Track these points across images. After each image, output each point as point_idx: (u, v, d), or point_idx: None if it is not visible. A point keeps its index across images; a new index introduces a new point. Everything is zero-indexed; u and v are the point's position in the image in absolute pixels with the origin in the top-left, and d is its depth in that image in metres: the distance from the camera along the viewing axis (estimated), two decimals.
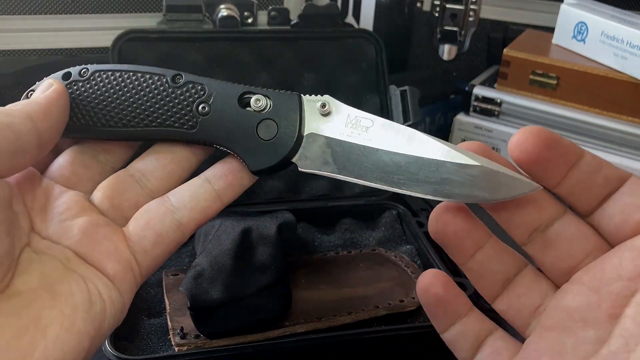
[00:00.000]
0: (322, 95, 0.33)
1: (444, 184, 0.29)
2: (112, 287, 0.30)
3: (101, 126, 0.33)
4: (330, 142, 0.31)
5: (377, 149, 0.31)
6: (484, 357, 0.31)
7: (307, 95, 0.33)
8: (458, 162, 0.29)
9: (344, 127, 0.31)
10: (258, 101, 0.32)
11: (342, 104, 0.32)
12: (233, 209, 0.60)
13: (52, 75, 0.34)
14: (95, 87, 0.33)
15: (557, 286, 0.30)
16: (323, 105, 0.32)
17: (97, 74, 0.33)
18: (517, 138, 0.28)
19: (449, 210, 0.30)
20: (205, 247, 0.51)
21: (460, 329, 0.31)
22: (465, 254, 0.31)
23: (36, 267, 0.29)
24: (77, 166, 0.34)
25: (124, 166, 0.35)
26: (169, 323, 0.48)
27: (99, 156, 0.35)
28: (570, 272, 0.29)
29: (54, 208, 0.31)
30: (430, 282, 0.31)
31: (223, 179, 0.34)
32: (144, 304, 0.51)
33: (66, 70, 0.34)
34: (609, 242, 0.29)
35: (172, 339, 0.47)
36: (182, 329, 0.47)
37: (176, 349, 0.46)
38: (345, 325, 0.49)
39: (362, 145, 0.31)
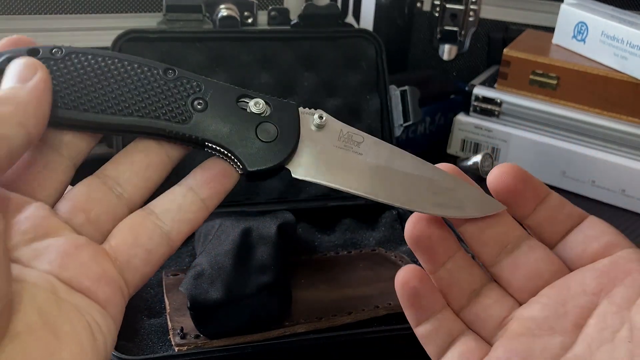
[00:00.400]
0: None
1: (420, 198, 0.32)
2: (106, 316, 0.28)
3: (74, 110, 0.29)
4: (324, 152, 0.32)
5: (367, 161, 0.32)
6: (455, 356, 0.32)
7: (300, 107, 0.33)
8: (436, 178, 0.32)
9: (337, 140, 0.32)
10: (258, 104, 0.32)
11: (335, 119, 0.33)
12: (233, 209, 0.61)
13: (11, 50, 0.29)
14: (72, 68, 0.30)
15: (521, 304, 0.32)
16: (320, 117, 0.32)
17: (73, 56, 0.30)
18: (496, 172, 0.32)
19: (425, 217, 0.32)
20: (205, 247, 0.51)
21: (433, 325, 0.32)
22: (436, 262, 0.32)
23: (29, 301, 0.25)
24: (38, 165, 0.29)
25: (82, 162, 0.31)
26: (169, 323, 0.48)
27: (61, 150, 0.30)
28: (535, 291, 0.32)
29: (15, 225, 0.27)
30: (408, 276, 0.32)
31: (207, 186, 0.31)
32: (144, 304, 0.51)
33: (32, 47, 0.30)
34: (570, 269, 0.32)
35: (172, 339, 0.47)
36: (182, 329, 0.47)
37: (176, 349, 0.46)
38: (345, 325, 0.49)
39: (354, 157, 0.32)
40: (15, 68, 0.28)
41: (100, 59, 0.30)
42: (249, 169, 0.31)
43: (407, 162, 0.33)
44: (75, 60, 0.30)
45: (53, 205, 0.30)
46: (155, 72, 0.31)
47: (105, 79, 0.30)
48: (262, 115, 0.32)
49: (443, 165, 0.33)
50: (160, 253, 0.30)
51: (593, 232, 0.32)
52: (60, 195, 0.30)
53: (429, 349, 0.33)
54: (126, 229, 0.30)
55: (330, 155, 0.32)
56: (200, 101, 0.31)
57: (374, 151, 0.32)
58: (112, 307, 0.28)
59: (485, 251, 0.32)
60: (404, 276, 0.32)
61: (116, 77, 0.30)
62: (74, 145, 0.30)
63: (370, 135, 0.33)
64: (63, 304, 0.26)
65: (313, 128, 0.32)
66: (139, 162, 0.31)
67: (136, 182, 0.31)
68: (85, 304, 0.27)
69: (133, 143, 0.32)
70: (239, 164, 0.31)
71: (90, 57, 0.30)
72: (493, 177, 0.32)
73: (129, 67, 0.30)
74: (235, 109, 0.31)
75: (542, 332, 0.30)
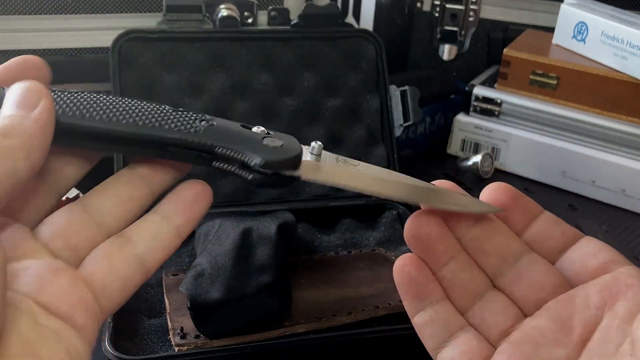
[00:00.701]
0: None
1: (422, 197, 0.33)
2: (83, 341, 0.27)
3: (86, 120, 0.29)
4: (327, 167, 0.33)
5: (367, 173, 0.33)
6: (456, 354, 0.32)
7: None
8: (433, 188, 0.33)
9: (335, 162, 0.33)
10: (259, 128, 0.32)
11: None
12: (233, 209, 0.61)
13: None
14: (83, 96, 0.30)
15: (528, 315, 0.33)
16: (317, 142, 0.33)
17: (84, 93, 0.30)
18: (488, 190, 0.33)
19: (424, 215, 0.33)
20: (205, 247, 0.51)
21: (430, 315, 0.32)
22: (437, 261, 0.33)
23: (10, 327, 0.25)
24: (23, 189, 0.28)
25: (67, 192, 0.31)
26: (169, 323, 0.48)
27: (48, 177, 0.30)
28: (540, 304, 0.32)
29: None
30: (405, 262, 0.33)
31: (181, 214, 0.31)
32: (144, 304, 0.51)
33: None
34: (570, 285, 0.32)
35: (172, 339, 0.47)
36: (182, 329, 0.47)
37: (176, 349, 0.46)
38: (345, 325, 0.49)
39: (354, 169, 0.33)
40: (19, 92, 0.27)
41: (110, 96, 0.31)
42: (265, 159, 0.30)
43: (404, 177, 0.34)
44: (87, 94, 0.30)
45: (33, 229, 0.29)
46: (164, 106, 0.32)
47: (116, 104, 0.30)
48: (266, 133, 0.32)
49: (440, 182, 0.34)
50: (136, 281, 0.30)
51: (591, 249, 0.32)
52: (41, 220, 0.30)
53: (426, 341, 0.33)
54: (103, 257, 0.30)
55: (333, 168, 0.33)
56: (209, 121, 0.31)
57: (371, 169, 0.34)
58: (88, 332, 0.28)
59: (487, 262, 0.33)
60: (401, 263, 0.33)
61: (127, 102, 0.31)
62: (62, 173, 0.31)
63: (364, 163, 0.34)
64: (42, 329, 0.26)
65: (312, 156, 0.33)
66: (123, 194, 0.31)
67: (117, 213, 0.31)
68: (63, 329, 0.27)
69: (117, 175, 0.32)
70: (251, 162, 0.31)
71: (101, 94, 0.31)
72: (485, 195, 0.33)
73: (138, 101, 0.31)
74: (240, 128, 0.32)
75: (548, 342, 0.30)
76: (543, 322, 0.31)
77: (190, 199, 0.32)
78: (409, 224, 0.33)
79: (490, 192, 0.33)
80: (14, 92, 0.27)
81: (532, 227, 0.33)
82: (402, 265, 0.33)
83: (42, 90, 0.27)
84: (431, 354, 0.33)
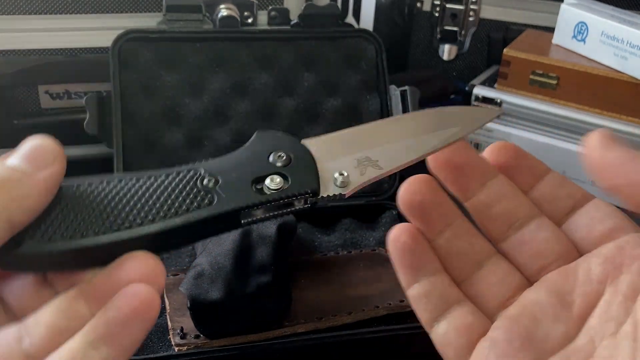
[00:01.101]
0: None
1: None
2: None
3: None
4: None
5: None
6: (451, 329, 0.30)
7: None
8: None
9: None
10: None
11: None
12: None
13: None
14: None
15: (529, 282, 0.31)
16: (341, 174, 0.32)
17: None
18: (490, 148, 0.32)
19: (418, 181, 0.31)
20: (205, 247, 0.51)
21: (425, 287, 0.31)
22: (432, 229, 0.31)
23: None
24: None
25: None
26: (169, 323, 0.48)
27: None
28: (541, 270, 0.31)
29: None
30: (400, 232, 0.32)
31: (113, 342, 0.26)
32: None
33: None
34: (577, 251, 0.31)
35: (172, 339, 0.47)
36: (182, 329, 0.47)
37: (176, 349, 0.46)
38: (345, 325, 0.49)
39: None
40: (32, 146, 0.25)
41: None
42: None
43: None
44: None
45: None
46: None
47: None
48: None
49: (456, 146, 0.32)
50: None
51: (598, 214, 0.31)
52: None
53: (420, 314, 0.31)
54: None
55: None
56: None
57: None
58: None
59: (493, 227, 0.31)
60: (395, 233, 0.32)
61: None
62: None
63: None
64: None
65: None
66: (58, 325, 0.27)
67: (48, 342, 0.27)
68: None
69: (66, 296, 0.27)
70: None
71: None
72: (487, 154, 0.32)
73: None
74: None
75: (546, 318, 0.29)
76: (542, 296, 0.30)
77: (127, 317, 0.26)
78: (402, 191, 0.31)
79: (492, 150, 0.32)
80: (27, 145, 0.26)
81: (538, 187, 0.31)
82: (397, 235, 0.31)
83: (58, 152, 0.26)
84: (425, 328, 0.31)
